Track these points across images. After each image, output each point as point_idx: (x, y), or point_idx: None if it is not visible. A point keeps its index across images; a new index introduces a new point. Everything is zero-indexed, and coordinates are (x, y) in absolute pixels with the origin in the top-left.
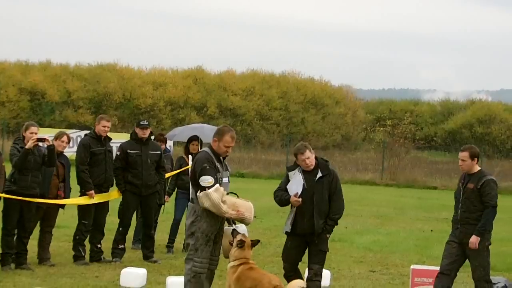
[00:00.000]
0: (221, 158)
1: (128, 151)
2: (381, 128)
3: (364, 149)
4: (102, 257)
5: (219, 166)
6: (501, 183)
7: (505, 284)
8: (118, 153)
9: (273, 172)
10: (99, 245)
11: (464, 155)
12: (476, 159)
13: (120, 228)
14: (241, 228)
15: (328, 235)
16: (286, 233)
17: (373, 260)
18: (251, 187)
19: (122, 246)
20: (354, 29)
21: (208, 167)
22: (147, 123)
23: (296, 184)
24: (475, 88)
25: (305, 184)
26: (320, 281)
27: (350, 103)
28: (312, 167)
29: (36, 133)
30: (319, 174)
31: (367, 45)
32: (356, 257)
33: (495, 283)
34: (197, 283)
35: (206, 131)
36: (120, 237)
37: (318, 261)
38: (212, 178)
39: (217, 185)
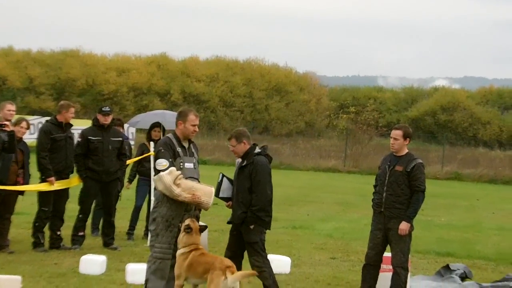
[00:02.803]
0: (187, 143)
1: (89, 137)
2: (345, 115)
3: (327, 136)
4: (61, 244)
5: (180, 150)
6: (463, 170)
7: (464, 271)
8: (79, 139)
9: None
10: (58, 232)
11: (397, 133)
12: (408, 139)
13: (80, 215)
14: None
15: (251, 226)
16: (228, 222)
17: (334, 247)
18: (214, 174)
19: (82, 233)
20: (320, 16)
21: (163, 151)
22: (109, 109)
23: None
24: (439, 75)
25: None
26: (263, 271)
27: (314, 90)
28: (236, 155)
29: None
30: (243, 163)
31: (332, 32)
32: (317, 244)
33: (454, 270)
34: (157, 270)
35: (167, 117)
36: (80, 224)
37: (250, 255)
38: (167, 161)
39: (171, 168)
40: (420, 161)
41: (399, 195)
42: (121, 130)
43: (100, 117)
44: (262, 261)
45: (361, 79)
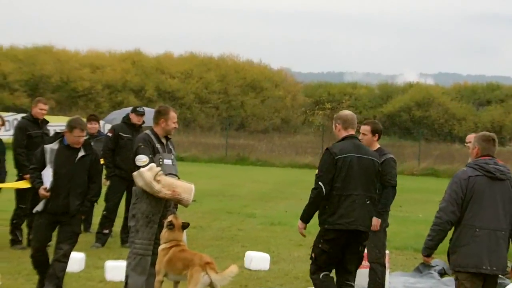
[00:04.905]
0: (165, 140)
1: (120, 133)
2: (320, 112)
3: (303, 132)
4: None
5: (159, 147)
6: (439, 166)
7: (442, 267)
8: (110, 134)
9: (212, 156)
10: None
11: (365, 128)
12: (377, 135)
13: (105, 212)
14: None
15: (83, 216)
16: (37, 212)
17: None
18: (190, 171)
19: (106, 231)
20: (293, 11)
21: (143, 146)
22: (143, 110)
23: (48, 176)
24: (412, 71)
25: (64, 162)
26: (67, 262)
27: (289, 86)
28: (78, 145)
29: None
30: (81, 153)
31: (306, 27)
32: (296, 241)
33: (433, 266)
34: (137, 266)
35: None
36: (104, 221)
37: (69, 242)
38: (147, 157)
39: (151, 164)
40: (391, 156)
41: None
42: (97, 126)
43: (133, 116)
44: (71, 252)
45: (335, 75)
